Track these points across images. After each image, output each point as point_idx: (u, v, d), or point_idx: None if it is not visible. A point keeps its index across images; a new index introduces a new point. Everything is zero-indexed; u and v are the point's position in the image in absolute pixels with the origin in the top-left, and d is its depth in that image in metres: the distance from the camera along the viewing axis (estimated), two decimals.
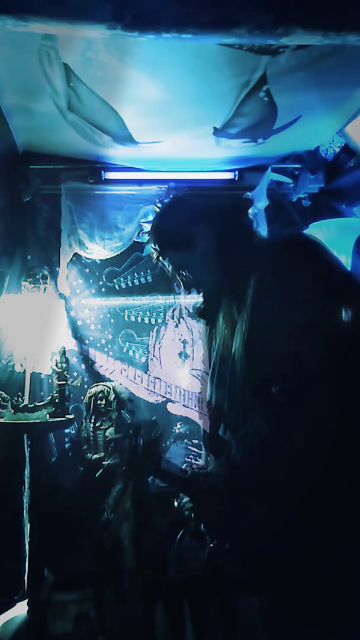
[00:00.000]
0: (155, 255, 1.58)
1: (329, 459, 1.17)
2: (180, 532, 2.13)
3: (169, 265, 1.55)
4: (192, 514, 1.46)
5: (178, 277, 1.55)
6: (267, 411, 1.20)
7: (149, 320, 2.99)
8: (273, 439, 1.20)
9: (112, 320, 2.97)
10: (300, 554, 1.20)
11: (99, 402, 2.60)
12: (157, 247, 1.55)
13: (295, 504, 1.18)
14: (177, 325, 2.99)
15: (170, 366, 2.97)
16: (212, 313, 1.54)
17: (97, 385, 2.68)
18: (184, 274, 1.52)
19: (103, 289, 2.97)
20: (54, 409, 2.35)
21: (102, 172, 2.76)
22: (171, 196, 1.59)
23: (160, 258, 1.56)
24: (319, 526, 1.18)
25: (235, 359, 1.32)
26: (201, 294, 1.58)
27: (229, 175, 2.84)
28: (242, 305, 1.33)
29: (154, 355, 2.98)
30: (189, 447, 2.78)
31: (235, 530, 1.36)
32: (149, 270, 2.98)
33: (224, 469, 1.31)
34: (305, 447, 1.16)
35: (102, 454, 2.49)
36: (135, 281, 2.99)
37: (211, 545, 1.56)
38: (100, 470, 2.42)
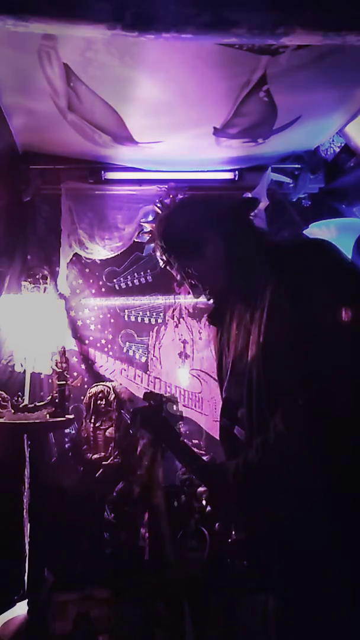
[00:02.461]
0: (162, 265, 1.56)
1: (351, 466, 1.16)
2: (180, 532, 2.14)
3: (177, 274, 1.53)
4: (208, 504, 1.46)
5: (187, 284, 1.53)
6: (290, 416, 1.20)
7: (149, 320, 2.99)
8: (295, 444, 1.19)
9: (112, 320, 2.97)
10: (315, 558, 1.21)
11: (99, 402, 2.59)
12: (164, 256, 1.53)
13: (313, 508, 1.18)
14: (177, 325, 2.99)
15: (170, 366, 2.97)
16: (224, 319, 1.52)
17: (97, 385, 2.68)
18: (194, 282, 1.50)
19: (103, 289, 2.97)
20: (54, 409, 2.35)
21: (102, 172, 2.76)
22: (175, 201, 1.58)
23: (168, 267, 1.54)
24: (337, 533, 1.18)
25: (251, 366, 1.31)
26: (211, 301, 1.57)
27: (229, 175, 2.83)
28: (256, 313, 1.31)
29: (154, 355, 2.98)
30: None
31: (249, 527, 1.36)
32: (149, 270, 2.98)
33: (241, 468, 1.30)
34: (327, 454, 1.16)
35: (102, 454, 2.49)
36: (135, 281, 2.99)
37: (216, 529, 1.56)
38: (100, 470, 2.42)
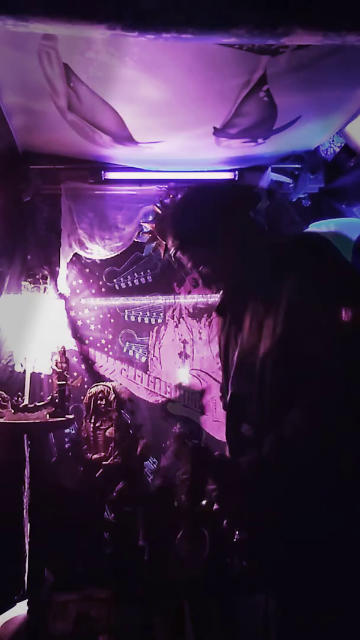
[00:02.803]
0: (172, 252, 1.54)
1: None
2: (180, 533, 2.14)
3: (188, 261, 1.51)
4: (217, 502, 1.44)
5: (197, 273, 1.51)
6: (305, 411, 1.19)
7: (149, 320, 2.99)
8: (311, 439, 1.19)
9: (112, 320, 2.97)
10: (324, 558, 1.21)
11: (99, 402, 2.59)
12: (177, 241, 1.50)
13: (326, 502, 1.18)
14: (177, 325, 2.99)
15: (170, 366, 2.97)
16: (233, 311, 1.51)
17: (97, 385, 2.68)
18: (205, 270, 1.49)
19: (103, 289, 2.97)
20: (54, 409, 2.35)
21: (102, 172, 2.76)
22: (191, 190, 1.55)
23: (179, 253, 1.51)
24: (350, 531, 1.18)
25: (264, 361, 1.30)
26: (220, 292, 1.56)
27: (229, 175, 2.83)
28: (272, 306, 1.30)
29: (154, 355, 2.98)
30: None
31: (259, 524, 1.35)
32: (149, 270, 2.98)
33: (254, 465, 1.28)
34: (343, 448, 1.16)
35: (102, 454, 2.49)
36: (135, 281, 2.99)
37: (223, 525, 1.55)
38: (100, 470, 2.43)
